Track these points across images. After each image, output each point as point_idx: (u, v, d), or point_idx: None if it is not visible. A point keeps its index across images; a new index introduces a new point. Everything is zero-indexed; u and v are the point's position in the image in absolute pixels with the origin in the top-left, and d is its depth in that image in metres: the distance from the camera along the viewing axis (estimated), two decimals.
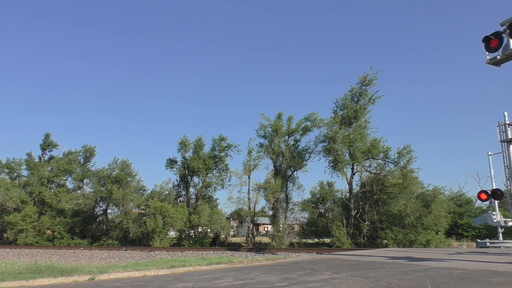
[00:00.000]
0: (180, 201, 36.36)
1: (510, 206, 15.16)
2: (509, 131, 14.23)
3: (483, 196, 18.80)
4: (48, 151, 45.63)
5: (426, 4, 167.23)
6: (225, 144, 36.47)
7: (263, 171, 52.19)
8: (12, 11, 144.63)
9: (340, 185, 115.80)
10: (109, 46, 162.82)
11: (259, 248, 26.33)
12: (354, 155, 26.72)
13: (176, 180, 38.03)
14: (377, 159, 27.51)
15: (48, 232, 38.02)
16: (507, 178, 13.68)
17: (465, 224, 36.85)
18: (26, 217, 36.82)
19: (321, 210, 51.18)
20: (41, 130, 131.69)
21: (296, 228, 32.97)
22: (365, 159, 27.33)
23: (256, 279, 8.11)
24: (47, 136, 45.62)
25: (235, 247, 28.75)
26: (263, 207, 33.16)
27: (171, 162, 38.21)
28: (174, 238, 33.78)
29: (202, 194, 36.55)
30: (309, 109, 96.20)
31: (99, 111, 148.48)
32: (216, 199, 38.75)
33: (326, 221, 34.36)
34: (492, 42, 10.02)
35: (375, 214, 26.64)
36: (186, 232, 33.40)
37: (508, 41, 9.93)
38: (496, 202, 20.03)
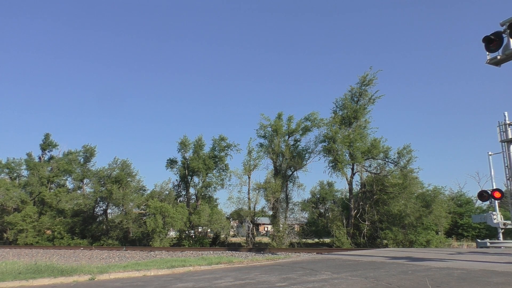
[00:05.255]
0: (180, 201, 36.35)
1: (510, 206, 15.16)
2: (509, 131, 14.23)
3: (483, 196, 18.79)
4: (48, 151, 45.62)
5: (426, 4, 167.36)
6: (225, 144, 36.49)
7: (263, 171, 52.20)
8: (12, 11, 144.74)
9: (340, 185, 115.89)
10: (109, 46, 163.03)
11: (259, 248, 26.32)
12: (354, 155, 26.71)
13: (176, 180, 38.08)
14: (377, 159, 27.51)
15: (48, 232, 38.01)
16: (507, 178, 13.68)
17: (465, 224, 36.86)
18: (26, 217, 36.80)
19: (321, 210, 51.12)
20: (41, 130, 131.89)
21: (296, 228, 32.97)
22: (365, 159, 27.32)
23: (256, 279, 8.11)
24: (47, 136, 45.61)
25: (235, 247, 28.74)
26: (263, 207, 33.21)
27: (171, 162, 38.22)
28: (174, 238, 33.77)
29: (202, 194, 36.54)
30: (309, 109, 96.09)
31: (99, 111, 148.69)
32: (216, 199, 38.77)
33: (326, 221, 34.34)
34: (492, 42, 10.02)
35: (375, 214, 26.64)
36: (186, 232, 33.39)
37: (508, 41, 9.94)
38: (496, 202, 20.03)
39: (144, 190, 39.49)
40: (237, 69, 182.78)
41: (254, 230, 32.61)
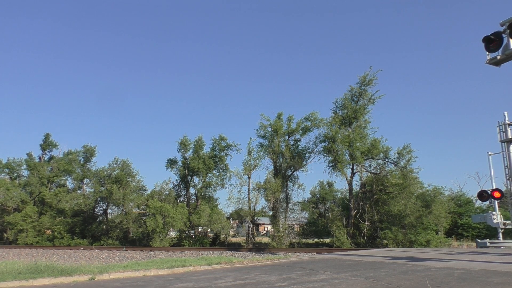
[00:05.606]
0: (180, 201, 36.35)
1: (510, 206, 15.16)
2: (509, 131, 14.23)
3: (483, 196, 18.79)
4: (48, 151, 45.61)
5: (426, 4, 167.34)
6: (224, 144, 36.50)
7: (263, 171, 52.24)
8: (12, 11, 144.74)
9: (340, 185, 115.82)
10: (109, 46, 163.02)
11: (259, 248, 26.32)
12: (354, 155, 26.71)
13: (176, 180, 38.08)
14: (377, 159, 27.51)
15: (48, 232, 38.01)
16: (507, 178, 13.68)
17: (465, 224, 36.86)
18: (26, 217, 36.80)
19: (321, 210, 51.15)
20: (41, 130, 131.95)
21: (296, 228, 32.97)
22: (365, 159, 27.32)
23: (256, 279, 8.11)
24: (47, 136, 45.60)
25: (235, 247, 28.75)
26: (263, 207, 33.19)
27: (171, 162, 38.22)
28: (174, 238, 33.77)
29: (202, 194, 36.54)
30: (309, 109, 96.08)
31: (99, 111, 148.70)
32: (216, 199, 38.78)
33: (326, 221, 34.34)
34: (492, 42, 10.02)
35: (375, 214, 26.63)
36: (186, 232, 33.39)
37: (508, 41, 9.93)
38: (496, 202, 20.03)
39: (144, 190, 39.50)
40: (237, 69, 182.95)
41: (254, 230, 32.61)
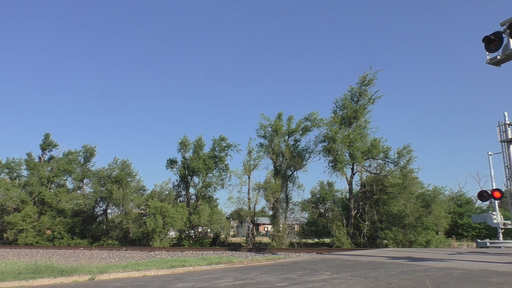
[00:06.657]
0: (180, 201, 36.36)
1: (510, 206, 15.17)
2: (509, 131, 14.22)
3: (483, 196, 18.78)
4: (48, 151, 45.68)
5: (426, 4, 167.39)
6: (225, 144, 36.52)
7: (263, 171, 52.18)
8: (12, 11, 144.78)
9: (340, 185, 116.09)
10: (109, 46, 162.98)
11: (259, 248, 26.33)
12: (354, 155, 26.72)
13: (176, 180, 38.09)
14: (377, 159, 27.51)
15: (48, 232, 38.01)
16: (507, 178, 13.67)
17: (465, 224, 36.87)
18: (26, 217, 36.81)
19: (321, 210, 51.22)
20: (41, 130, 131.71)
21: (296, 228, 32.97)
22: (365, 159, 27.33)
23: (256, 279, 8.11)
24: (47, 136, 45.64)
25: (235, 247, 28.75)
26: (263, 207, 33.24)
27: (171, 162, 38.23)
28: (174, 238, 33.79)
29: (202, 194, 36.56)
30: (309, 109, 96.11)
31: (99, 111, 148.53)
32: (216, 199, 38.77)
33: (326, 221, 34.42)
34: (492, 42, 10.03)
35: (375, 214, 26.64)
36: (186, 232, 33.40)
37: (508, 41, 9.94)
38: (496, 202, 20.03)
39: (144, 190, 39.49)
40: (237, 69, 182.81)
41: (254, 230, 32.62)
